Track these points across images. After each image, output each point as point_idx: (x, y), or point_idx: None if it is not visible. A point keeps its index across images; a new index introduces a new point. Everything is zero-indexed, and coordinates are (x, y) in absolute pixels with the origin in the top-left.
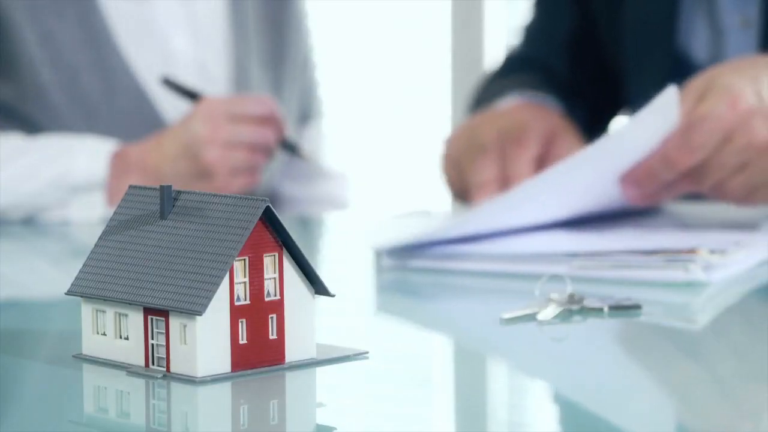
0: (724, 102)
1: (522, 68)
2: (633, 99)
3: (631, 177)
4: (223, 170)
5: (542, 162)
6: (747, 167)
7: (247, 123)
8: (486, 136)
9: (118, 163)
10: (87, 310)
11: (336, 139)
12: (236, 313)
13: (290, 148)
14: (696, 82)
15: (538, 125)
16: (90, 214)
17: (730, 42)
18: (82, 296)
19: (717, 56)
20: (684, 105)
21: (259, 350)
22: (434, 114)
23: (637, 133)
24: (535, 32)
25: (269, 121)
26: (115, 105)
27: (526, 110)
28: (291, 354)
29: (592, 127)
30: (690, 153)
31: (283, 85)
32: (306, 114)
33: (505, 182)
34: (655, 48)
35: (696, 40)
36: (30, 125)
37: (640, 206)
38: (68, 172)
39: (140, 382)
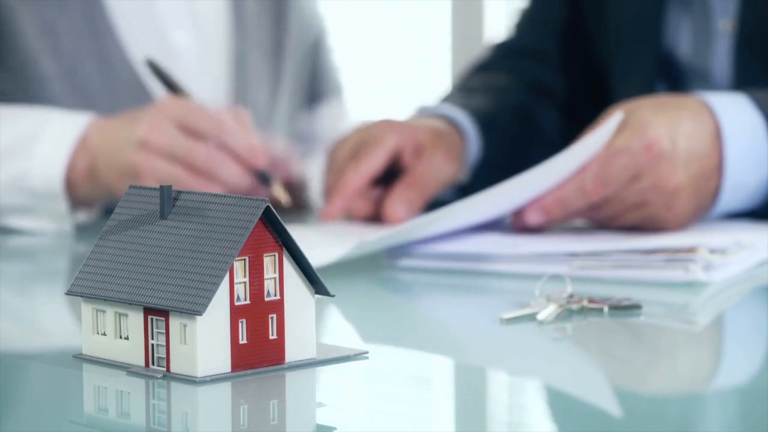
0: (640, 141)
1: (509, 56)
2: (617, 97)
3: (540, 204)
4: (147, 177)
5: (398, 174)
6: (644, 206)
7: (194, 138)
8: (341, 150)
9: (80, 144)
10: (87, 310)
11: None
12: (236, 313)
13: (262, 178)
14: (615, 112)
15: (391, 140)
16: (55, 226)
17: (718, 45)
18: (82, 296)
19: (703, 58)
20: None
21: (259, 350)
22: None
23: (577, 155)
24: (527, 21)
25: (224, 147)
26: (114, 98)
27: (390, 125)
28: (291, 354)
29: (572, 120)
30: (604, 185)
31: (283, 76)
32: (318, 94)
33: (337, 191)
34: (639, 47)
35: (682, 41)
36: None
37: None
38: (28, 172)
39: (140, 382)
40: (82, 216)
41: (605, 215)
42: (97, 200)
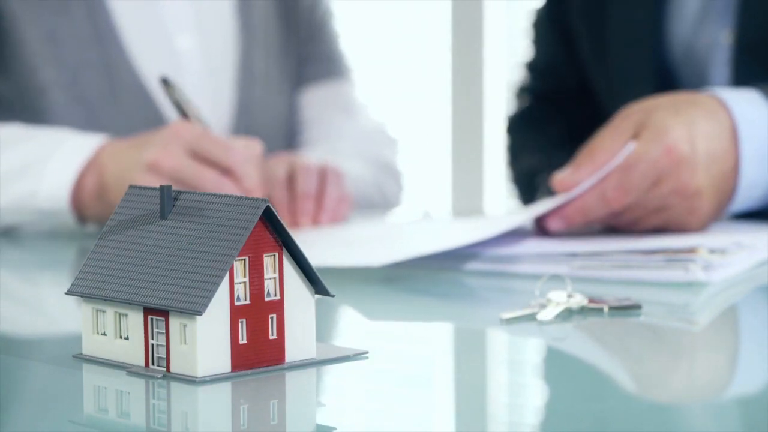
0: (659, 146)
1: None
2: (614, 108)
3: (562, 212)
4: None
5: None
6: (665, 210)
7: (203, 164)
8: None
9: (90, 164)
10: (87, 310)
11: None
12: (236, 313)
13: None
14: (632, 114)
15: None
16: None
17: (717, 56)
18: (82, 296)
19: (702, 69)
20: (619, 137)
21: (259, 350)
22: (435, 116)
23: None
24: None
25: (231, 174)
26: (117, 103)
27: None
28: (291, 354)
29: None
30: (625, 194)
31: (290, 78)
32: (316, 74)
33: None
34: (637, 58)
35: (681, 52)
36: (32, 122)
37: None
38: (35, 193)
39: (140, 382)
40: (90, 228)
41: (626, 220)
42: (105, 219)
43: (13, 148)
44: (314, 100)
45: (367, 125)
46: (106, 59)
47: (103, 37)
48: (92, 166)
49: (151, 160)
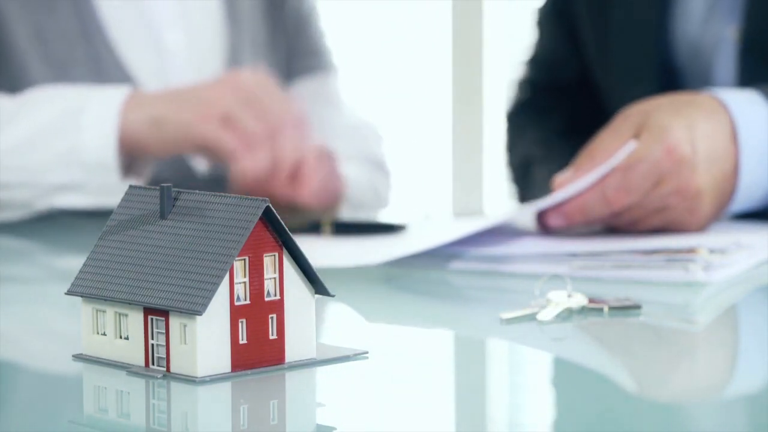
0: (660, 147)
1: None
2: (617, 105)
3: (562, 209)
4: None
5: None
6: (666, 211)
7: (250, 114)
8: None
9: (130, 100)
10: (87, 310)
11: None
12: (236, 313)
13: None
14: (631, 116)
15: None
16: (104, 201)
17: (721, 52)
18: (82, 296)
19: (706, 66)
20: (619, 138)
21: (259, 350)
22: (435, 116)
23: (590, 179)
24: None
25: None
26: None
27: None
28: (291, 354)
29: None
30: (627, 194)
31: (278, 73)
32: (301, 69)
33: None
34: (641, 55)
35: (685, 48)
36: None
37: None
38: (77, 146)
39: (140, 382)
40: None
41: (626, 220)
42: (166, 145)
43: (44, 107)
44: (303, 94)
45: (355, 120)
46: (94, 56)
47: (91, 33)
48: (132, 103)
49: (205, 97)
